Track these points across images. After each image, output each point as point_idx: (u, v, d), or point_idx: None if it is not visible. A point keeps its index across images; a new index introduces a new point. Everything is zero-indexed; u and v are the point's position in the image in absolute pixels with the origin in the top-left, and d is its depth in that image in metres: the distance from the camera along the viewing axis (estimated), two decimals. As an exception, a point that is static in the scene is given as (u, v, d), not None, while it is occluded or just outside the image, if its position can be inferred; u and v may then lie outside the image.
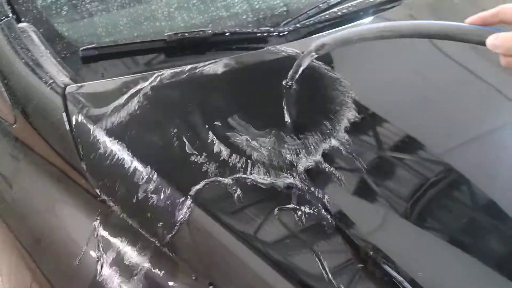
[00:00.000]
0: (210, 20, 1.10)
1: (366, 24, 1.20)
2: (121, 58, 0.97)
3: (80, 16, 1.01)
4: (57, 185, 0.91)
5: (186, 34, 1.00)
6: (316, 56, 0.90)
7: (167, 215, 0.75)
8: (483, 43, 0.66)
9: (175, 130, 0.83)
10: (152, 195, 0.77)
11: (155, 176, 0.78)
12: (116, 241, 0.79)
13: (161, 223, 0.76)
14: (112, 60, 0.98)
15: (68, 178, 0.89)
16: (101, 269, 0.77)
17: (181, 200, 0.75)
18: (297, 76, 0.93)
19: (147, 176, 0.78)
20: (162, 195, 0.76)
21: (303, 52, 0.92)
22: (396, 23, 0.81)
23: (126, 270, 0.76)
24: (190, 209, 0.74)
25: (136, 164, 0.79)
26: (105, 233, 0.80)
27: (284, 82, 0.93)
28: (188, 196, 0.75)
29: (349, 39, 0.86)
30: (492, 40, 0.64)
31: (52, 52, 0.93)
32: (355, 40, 0.84)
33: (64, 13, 1.00)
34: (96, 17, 1.03)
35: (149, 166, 0.78)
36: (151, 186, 0.77)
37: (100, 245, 0.79)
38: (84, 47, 0.94)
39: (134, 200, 0.79)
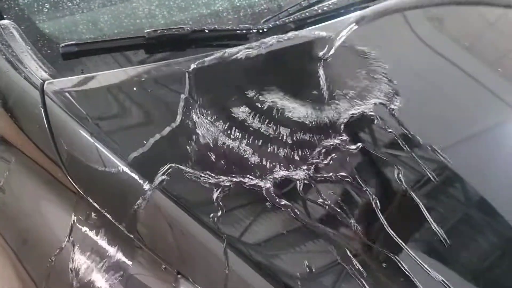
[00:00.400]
0: (191, 17, 1.12)
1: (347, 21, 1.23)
2: (101, 55, 0.99)
3: (61, 14, 1.03)
4: (41, 182, 0.93)
5: (165, 31, 1.02)
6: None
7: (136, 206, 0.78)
8: None
9: (151, 124, 0.86)
10: (124, 185, 0.80)
11: (124, 166, 0.80)
12: (93, 237, 0.81)
13: (132, 213, 0.78)
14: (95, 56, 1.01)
15: (50, 175, 0.91)
16: (78, 264, 0.80)
17: (147, 189, 0.77)
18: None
19: (120, 167, 0.80)
20: (132, 183, 0.79)
21: None
22: None
23: (100, 263, 0.79)
24: (155, 198, 0.76)
25: (111, 157, 0.82)
26: (83, 229, 0.82)
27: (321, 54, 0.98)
28: (155, 185, 0.77)
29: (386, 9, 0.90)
30: None
31: (32, 48, 0.95)
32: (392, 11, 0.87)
33: (46, 10, 1.02)
34: (77, 15, 1.05)
35: (123, 159, 0.81)
36: (124, 176, 0.79)
37: (77, 241, 0.82)
38: (64, 44, 0.96)
39: (110, 193, 0.81)
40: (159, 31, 1.01)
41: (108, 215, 0.81)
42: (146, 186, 0.76)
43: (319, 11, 1.20)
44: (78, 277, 0.80)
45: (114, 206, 0.81)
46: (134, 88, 0.91)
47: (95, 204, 0.81)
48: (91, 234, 0.82)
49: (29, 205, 0.95)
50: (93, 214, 0.82)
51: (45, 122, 0.86)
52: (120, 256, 0.78)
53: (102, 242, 0.81)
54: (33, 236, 0.92)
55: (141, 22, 1.07)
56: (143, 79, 0.92)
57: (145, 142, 0.83)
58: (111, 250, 0.79)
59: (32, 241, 0.92)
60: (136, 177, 0.78)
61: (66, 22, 1.03)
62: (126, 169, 0.79)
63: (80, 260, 0.80)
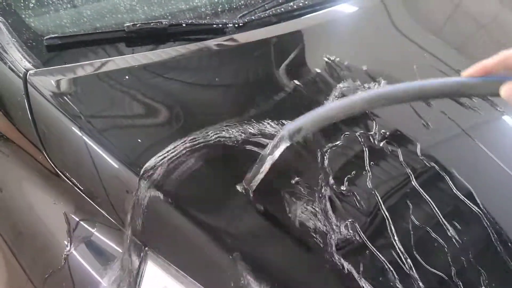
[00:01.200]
0: (170, 12, 1.18)
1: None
2: (82, 47, 1.05)
3: (46, 9, 1.10)
4: (34, 175, 0.97)
5: (144, 25, 1.08)
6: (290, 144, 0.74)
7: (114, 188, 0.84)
8: (496, 95, 0.60)
9: (132, 110, 0.92)
10: (101, 167, 0.86)
11: (104, 151, 0.86)
12: (88, 228, 0.87)
13: (109, 196, 0.85)
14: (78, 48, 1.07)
15: (43, 166, 0.97)
16: (72, 256, 0.85)
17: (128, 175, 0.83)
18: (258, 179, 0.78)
19: (100, 153, 0.86)
20: (113, 169, 0.85)
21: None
22: (386, 89, 0.67)
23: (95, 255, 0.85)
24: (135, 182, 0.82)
25: (92, 144, 0.88)
26: (75, 220, 0.88)
27: (239, 187, 0.81)
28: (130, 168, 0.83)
29: (331, 116, 0.70)
30: (508, 91, 0.59)
31: (18, 41, 1.01)
32: (337, 117, 0.69)
33: (32, 5, 1.09)
34: (61, 10, 1.11)
35: (102, 146, 0.87)
36: (106, 164, 0.85)
37: (71, 233, 0.87)
38: (48, 37, 1.02)
39: (89, 177, 0.88)
40: (138, 25, 1.07)
41: (86, 196, 0.87)
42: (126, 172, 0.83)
43: (295, 6, 1.27)
44: (72, 270, 0.85)
45: (92, 188, 0.88)
46: (112, 76, 0.98)
47: (75, 185, 0.88)
48: (85, 226, 0.87)
49: (23, 197, 0.99)
50: (85, 206, 0.88)
51: (27, 110, 0.93)
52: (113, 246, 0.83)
53: (96, 235, 0.86)
54: (27, 229, 0.95)
55: (122, 17, 1.13)
56: (120, 69, 0.99)
57: (127, 128, 0.89)
58: (106, 242, 0.84)
59: (26, 235, 0.96)
60: (118, 164, 0.84)
61: (51, 16, 1.09)
62: (105, 155, 0.85)
63: (75, 253, 0.85)
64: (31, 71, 0.95)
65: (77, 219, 0.88)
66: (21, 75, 0.94)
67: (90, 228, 0.87)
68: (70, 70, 0.97)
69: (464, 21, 1.62)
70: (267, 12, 1.22)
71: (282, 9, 1.24)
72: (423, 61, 1.26)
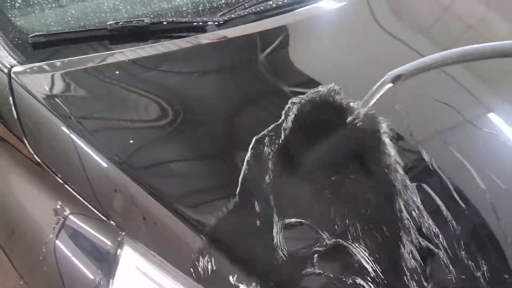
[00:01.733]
0: (152, 11, 1.22)
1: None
2: (66, 45, 1.10)
3: (32, 8, 1.14)
4: (25, 172, 0.99)
5: (126, 23, 1.12)
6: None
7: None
8: None
9: (115, 105, 0.96)
10: (87, 164, 0.89)
11: (88, 146, 0.90)
12: (79, 225, 0.88)
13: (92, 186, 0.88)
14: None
15: (32, 162, 0.99)
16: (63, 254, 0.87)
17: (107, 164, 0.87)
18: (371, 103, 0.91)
19: (84, 146, 0.90)
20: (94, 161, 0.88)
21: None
22: (478, 45, 0.81)
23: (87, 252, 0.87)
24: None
25: (76, 138, 0.91)
26: (65, 216, 0.89)
27: (349, 119, 0.95)
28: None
29: (426, 66, 0.86)
30: None
31: (4, 38, 1.06)
32: (431, 67, 0.85)
33: (18, 5, 1.13)
34: (46, 9, 1.15)
35: (86, 138, 0.91)
36: (86, 154, 0.89)
37: (63, 231, 0.88)
38: (33, 34, 1.06)
39: (74, 172, 0.91)
40: (120, 23, 1.12)
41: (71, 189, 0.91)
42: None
43: (274, 5, 1.31)
44: (63, 267, 0.86)
45: (77, 181, 0.91)
46: (93, 72, 1.02)
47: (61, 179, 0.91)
48: (76, 222, 0.88)
49: (15, 196, 1.00)
50: (76, 202, 0.89)
51: (12, 104, 0.97)
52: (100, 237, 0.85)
53: (88, 230, 0.87)
54: (20, 228, 0.97)
55: (106, 16, 1.17)
56: (99, 65, 1.03)
57: (110, 121, 0.93)
58: (98, 238, 0.85)
59: (18, 233, 0.97)
60: (106, 162, 0.88)
61: (36, 16, 1.14)
62: (89, 149, 0.89)
63: (66, 250, 0.87)
64: (15, 68, 0.99)
65: (65, 213, 0.91)
66: (6, 71, 0.99)
67: (77, 221, 0.90)
68: (54, 66, 1.01)
69: (450, 19, 1.66)
70: (247, 10, 1.27)
71: (262, 7, 1.28)
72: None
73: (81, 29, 1.11)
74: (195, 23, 1.20)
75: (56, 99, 0.95)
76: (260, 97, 1.11)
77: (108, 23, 1.11)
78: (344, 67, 1.23)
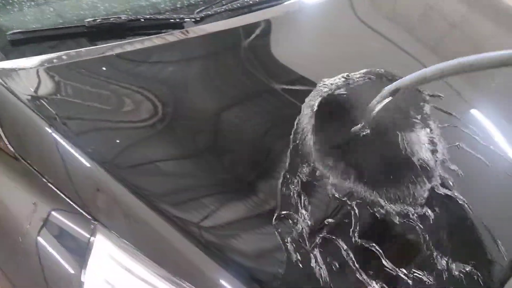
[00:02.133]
0: (130, 8, 1.25)
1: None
2: (45, 42, 1.12)
3: (11, 6, 1.16)
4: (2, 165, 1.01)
5: (104, 21, 1.14)
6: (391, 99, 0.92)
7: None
8: None
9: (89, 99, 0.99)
10: (68, 160, 0.91)
11: (60, 139, 0.92)
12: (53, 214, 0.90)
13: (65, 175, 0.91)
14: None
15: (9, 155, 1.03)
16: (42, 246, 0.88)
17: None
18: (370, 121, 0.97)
19: (57, 139, 0.92)
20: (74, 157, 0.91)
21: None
22: (471, 57, 0.81)
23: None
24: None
25: (51, 132, 0.94)
26: (41, 208, 0.91)
27: (353, 129, 1.00)
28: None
29: (424, 78, 0.87)
30: None
31: (-17, 36, 1.08)
32: (430, 79, 0.86)
33: (-4, 4, 1.15)
34: (25, 7, 1.17)
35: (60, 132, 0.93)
36: (59, 147, 0.92)
37: (38, 221, 0.90)
38: (12, 32, 1.09)
39: (49, 161, 0.94)
40: (98, 21, 1.14)
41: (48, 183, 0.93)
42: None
43: (251, 1, 1.33)
44: (39, 257, 0.88)
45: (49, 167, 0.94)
46: (71, 67, 1.05)
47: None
48: (53, 214, 0.90)
49: None
50: (52, 194, 0.91)
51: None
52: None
53: (62, 221, 0.89)
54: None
55: (84, 13, 1.20)
56: (77, 61, 1.06)
57: (86, 113, 0.96)
58: (72, 228, 0.88)
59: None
60: (69, 147, 0.91)
61: (15, 14, 1.16)
62: (62, 141, 0.91)
63: (42, 240, 0.88)
64: (-8, 63, 1.02)
65: (40, 204, 0.93)
66: (-17, 67, 1.01)
67: (53, 213, 0.91)
68: (31, 62, 1.04)
69: (432, 16, 1.69)
70: (224, 7, 1.29)
71: (239, 4, 1.31)
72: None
73: (59, 26, 1.14)
74: (172, 20, 1.22)
75: (34, 95, 0.97)
76: (239, 92, 1.14)
77: (86, 20, 1.13)
78: (322, 62, 1.27)
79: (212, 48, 1.24)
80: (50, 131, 0.91)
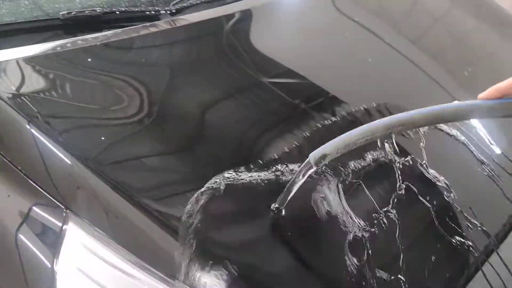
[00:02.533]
0: (106, 1, 1.25)
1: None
2: (19, 35, 1.12)
3: (-17, 1, 1.16)
4: None
5: (79, 13, 1.15)
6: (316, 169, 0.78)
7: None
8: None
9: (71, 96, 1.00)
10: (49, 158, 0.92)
11: (40, 133, 0.92)
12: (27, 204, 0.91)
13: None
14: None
15: None
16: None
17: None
18: (288, 199, 0.83)
19: (34, 132, 0.93)
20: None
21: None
22: (405, 114, 0.74)
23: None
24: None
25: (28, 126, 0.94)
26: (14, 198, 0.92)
27: (272, 206, 0.86)
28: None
29: (352, 142, 0.75)
30: None
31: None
32: (360, 142, 0.75)
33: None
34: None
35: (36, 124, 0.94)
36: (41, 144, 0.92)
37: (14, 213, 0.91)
38: (-15, 25, 1.09)
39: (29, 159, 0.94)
40: (73, 13, 1.15)
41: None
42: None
43: (225, -6, 1.35)
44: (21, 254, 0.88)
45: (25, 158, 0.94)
46: (48, 59, 1.06)
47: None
48: (27, 204, 0.90)
49: None
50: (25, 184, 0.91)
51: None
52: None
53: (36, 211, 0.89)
54: None
55: (60, 7, 1.20)
56: (51, 53, 1.07)
57: (63, 107, 0.96)
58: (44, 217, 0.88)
59: None
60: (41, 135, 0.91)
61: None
62: (42, 137, 0.92)
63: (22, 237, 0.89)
64: (-35, 60, 1.02)
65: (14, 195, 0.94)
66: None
67: (27, 202, 0.92)
68: (5, 55, 1.04)
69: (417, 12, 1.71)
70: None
71: (215, -3, 1.32)
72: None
73: (34, 19, 1.14)
74: (148, 12, 1.23)
75: (7, 87, 0.98)
76: (217, 86, 1.14)
77: (60, 13, 1.14)
78: (301, 53, 1.28)
79: (188, 40, 1.26)
80: (21, 120, 0.92)
